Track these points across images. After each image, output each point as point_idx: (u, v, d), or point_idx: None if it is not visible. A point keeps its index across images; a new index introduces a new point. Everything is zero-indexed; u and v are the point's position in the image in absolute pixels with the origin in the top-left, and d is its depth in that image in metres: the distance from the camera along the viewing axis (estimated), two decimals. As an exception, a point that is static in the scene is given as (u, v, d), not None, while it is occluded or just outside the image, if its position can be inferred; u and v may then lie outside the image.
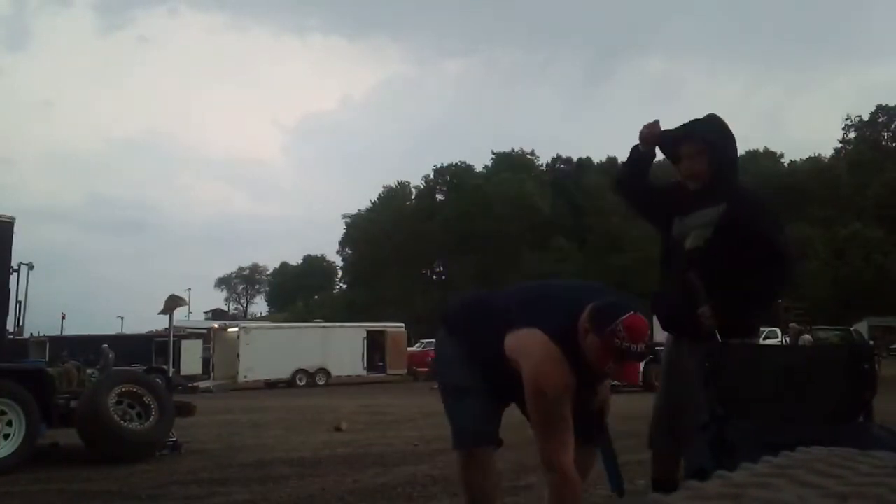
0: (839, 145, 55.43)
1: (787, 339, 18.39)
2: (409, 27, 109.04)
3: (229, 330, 25.09)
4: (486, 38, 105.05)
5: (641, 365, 17.12)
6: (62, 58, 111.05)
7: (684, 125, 2.92)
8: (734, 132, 2.88)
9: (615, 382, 2.97)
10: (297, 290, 72.30)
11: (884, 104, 54.13)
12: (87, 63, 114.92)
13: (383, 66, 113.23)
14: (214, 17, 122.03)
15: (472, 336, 2.68)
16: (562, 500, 2.31)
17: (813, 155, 55.06)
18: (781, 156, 56.03)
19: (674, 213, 2.91)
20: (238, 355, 22.40)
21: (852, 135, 55.44)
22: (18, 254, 6.70)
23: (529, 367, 2.39)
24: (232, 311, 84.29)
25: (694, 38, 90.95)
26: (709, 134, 2.83)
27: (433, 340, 2.92)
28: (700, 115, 2.97)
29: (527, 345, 2.42)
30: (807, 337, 18.40)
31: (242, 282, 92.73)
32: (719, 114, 2.93)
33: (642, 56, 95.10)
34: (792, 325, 20.37)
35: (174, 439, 6.78)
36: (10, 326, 6.59)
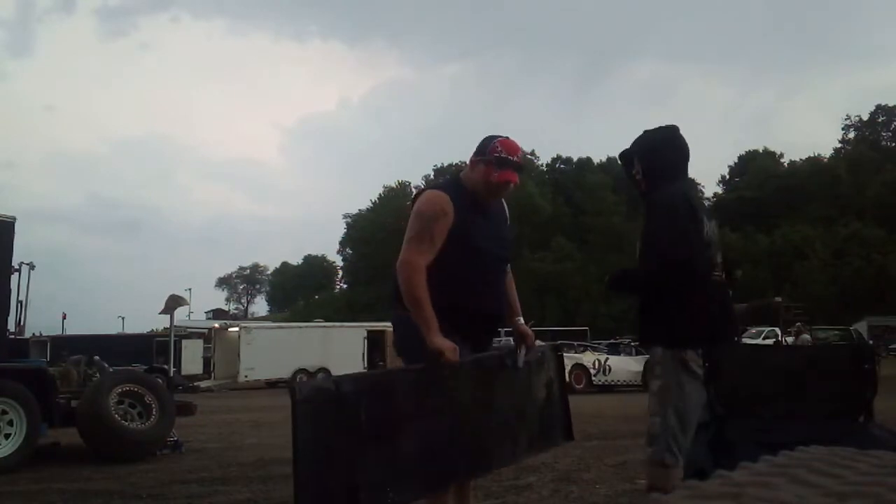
0: (839, 145, 55.49)
1: (790, 339, 18.35)
2: (407, 32, 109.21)
3: (230, 329, 25.05)
4: (485, 41, 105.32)
5: (642, 364, 17.24)
6: (65, 63, 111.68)
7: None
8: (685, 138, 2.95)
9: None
10: (297, 290, 72.24)
11: (883, 104, 54.17)
12: (89, 68, 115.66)
13: (382, 70, 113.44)
14: (215, 23, 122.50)
15: None
16: (412, 284, 2.57)
17: (813, 155, 55.07)
18: (781, 156, 56.06)
19: None
20: (239, 355, 22.37)
21: (852, 135, 55.49)
22: (20, 254, 6.71)
23: (415, 205, 2.72)
24: (232, 311, 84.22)
25: (693, 39, 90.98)
26: (629, 154, 3.00)
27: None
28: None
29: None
30: (806, 336, 18.34)
31: (243, 281, 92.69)
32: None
33: (640, 57, 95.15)
34: (798, 325, 20.37)
35: (175, 438, 6.79)
36: (11, 326, 6.58)
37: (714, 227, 2.85)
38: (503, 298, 2.88)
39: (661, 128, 2.95)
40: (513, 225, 3.06)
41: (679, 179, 2.85)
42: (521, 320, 2.93)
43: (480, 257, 2.75)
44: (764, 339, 21.36)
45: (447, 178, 2.96)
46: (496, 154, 2.73)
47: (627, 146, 3.01)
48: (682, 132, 2.96)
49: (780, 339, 20.47)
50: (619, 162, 3.13)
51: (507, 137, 2.82)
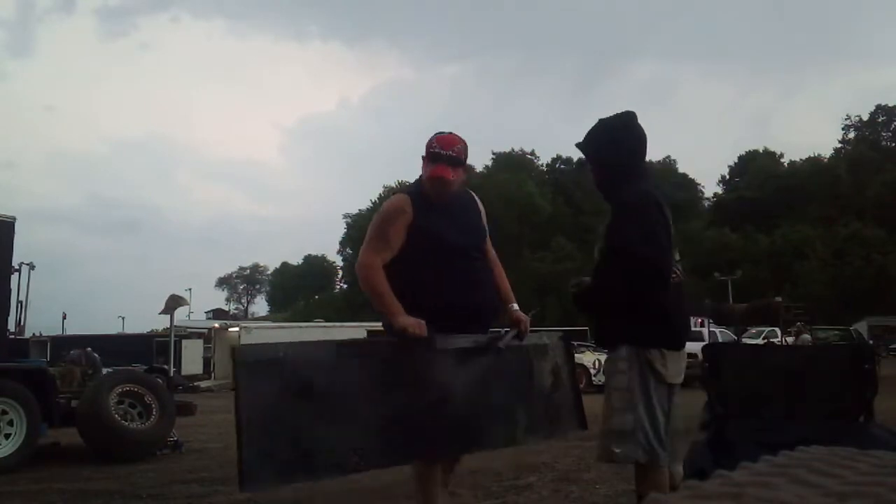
0: (839, 145, 55.50)
1: (791, 339, 18.35)
2: (407, 32, 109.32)
3: (230, 329, 25.05)
4: (485, 41, 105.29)
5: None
6: (65, 63, 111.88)
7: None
8: (634, 134, 2.76)
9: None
10: (297, 290, 72.29)
11: (883, 104, 54.19)
12: (90, 68, 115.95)
13: (382, 70, 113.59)
14: (216, 23, 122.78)
15: None
16: (370, 281, 2.72)
17: (813, 155, 55.07)
18: (781, 156, 56.08)
19: None
20: (239, 355, 22.38)
21: (852, 135, 55.51)
22: (20, 254, 6.71)
23: None
24: (233, 311, 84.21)
25: (693, 39, 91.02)
26: (584, 148, 2.82)
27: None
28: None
29: None
30: (806, 336, 18.34)
31: (243, 282, 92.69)
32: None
33: (640, 57, 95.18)
34: (798, 324, 20.37)
35: (175, 438, 6.79)
36: (11, 326, 6.58)
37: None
38: (484, 289, 2.85)
39: (616, 116, 2.76)
40: (479, 213, 2.99)
41: (642, 174, 2.74)
42: (515, 306, 2.92)
43: (445, 252, 2.77)
44: (764, 339, 21.37)
45: (414, 181, 3.01)
46: (431, 150, 2.77)
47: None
48: (637, 120, 2.76)
49: (780, 339, 20.45)
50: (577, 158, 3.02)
51: (451, 133, 2.83)
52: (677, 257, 2.73)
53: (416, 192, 2.85)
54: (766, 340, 20.34)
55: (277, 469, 2.33)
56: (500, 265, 3.03)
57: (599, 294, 2.76)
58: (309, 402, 2.38)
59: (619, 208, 2.71)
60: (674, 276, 2.67)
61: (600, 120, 2.79)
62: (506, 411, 2.85)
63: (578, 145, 2.83)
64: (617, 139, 2.73)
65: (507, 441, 3.00)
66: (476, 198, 3.04)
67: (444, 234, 2.77)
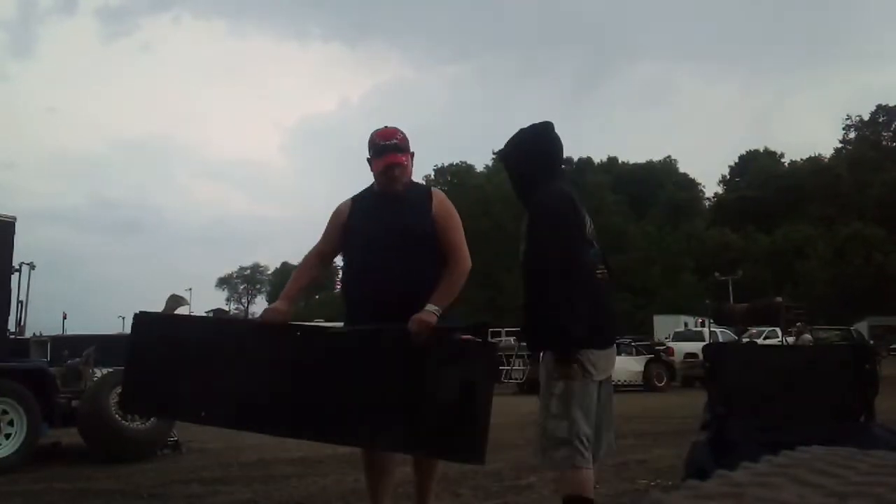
0: (839, 145, 55.52)
1: (791, 339, 18.32)
2: (408, 33, 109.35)
3: (230, 329, 25.06)
4: (485, 41, 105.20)
5: (643, 364, 17.11)
6: (66, 64, 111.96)
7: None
8: (549, 141, 2.84)
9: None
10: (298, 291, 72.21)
11: (884, 104, 54.19)
12: (91, 69, 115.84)
13: (382, 71, 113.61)
14: (217, 23, 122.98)
15: None
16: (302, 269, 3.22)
17: (813, 155, 55.10)
18: (782, 156, 56.12)
19: None
20: (239, 355, 22.40)
21: (853, 134, 55.52)
22: (20, 254, 6.69)
23: None
24: (233, 311, 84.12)
25: (693, 39, 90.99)
26: (503, 159, 2.97)
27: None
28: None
29: None
30: (807, 336, 18.31)
31: (243, 281, 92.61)
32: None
33: (641, 57, 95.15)
34: (799, 324, 20.32)
35: (175, 438, 6.79)
36: (11, 326, 6.57)
37: (591, 223, 2.80)
38: (398, 281, 2.78)
39: (533, 126, 2.84)
40: (422, 208, 2.94)
41: (556, 178, 2.77)
42: (428, 307, 2.70)
43: (358, 248, 2.96)
44: (764, 339, 21.34)
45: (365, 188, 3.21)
46: (375, 145, 2.93)
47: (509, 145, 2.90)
48: (555, 129, 2.84)
49: (781, 339, 20.41)
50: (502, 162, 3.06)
51: (385, 126, 2.99)
52: (601, 253, 2.78)
53: (360, 195, 3.07)
54: (749, 340, 20.25)
55: (146, 405, 3.51)
56: (454, 263, 2.94)
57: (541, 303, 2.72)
58: (182, 364, 3.02)
59: (534, 210, 2.75)
60: (599, 272, 2.72)
61: (519, 130, 2.87)
62: (356, 407, 2.76)
63: (499, 153, 3.00)
64: (530, 150, 2.83)
65: (352, 440, 2.92)
66: (433, 192, 3.04)
67: (360, 231, 2.95)
